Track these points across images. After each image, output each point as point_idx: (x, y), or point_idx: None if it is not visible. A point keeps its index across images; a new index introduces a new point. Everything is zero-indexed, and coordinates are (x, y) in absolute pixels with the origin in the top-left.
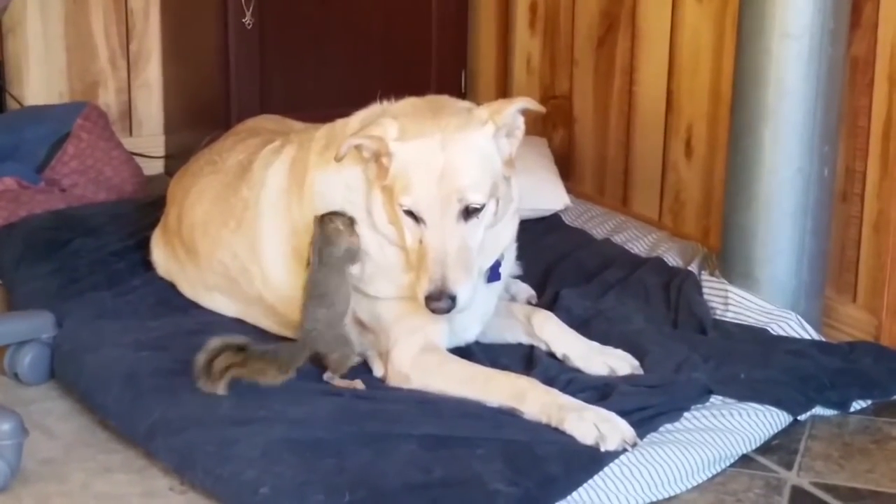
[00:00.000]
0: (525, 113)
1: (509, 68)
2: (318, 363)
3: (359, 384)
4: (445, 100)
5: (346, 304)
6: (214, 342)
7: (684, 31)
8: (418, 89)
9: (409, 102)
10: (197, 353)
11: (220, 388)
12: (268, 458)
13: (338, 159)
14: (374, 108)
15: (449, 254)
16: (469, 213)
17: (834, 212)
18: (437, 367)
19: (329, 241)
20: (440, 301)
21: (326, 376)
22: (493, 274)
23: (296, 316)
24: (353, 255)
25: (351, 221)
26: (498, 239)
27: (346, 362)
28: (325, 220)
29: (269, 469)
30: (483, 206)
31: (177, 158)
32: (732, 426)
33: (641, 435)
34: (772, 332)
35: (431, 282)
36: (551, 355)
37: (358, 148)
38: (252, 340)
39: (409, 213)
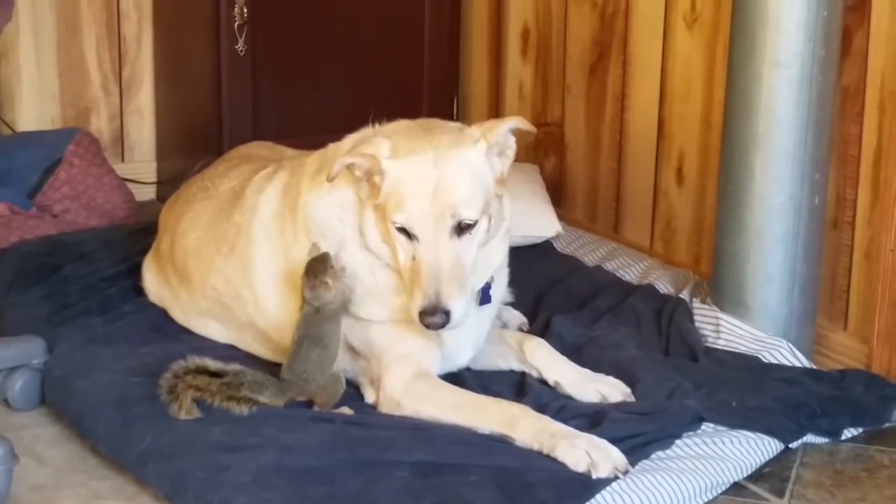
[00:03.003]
0: (516, 133)
1: (501, 95)
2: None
3: (346, 410)
4: (436, 121)
5: (339, 345)
6: (178, 365)
7: (675, 58)
8: (410, 116)
9: (401, 123)
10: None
11: (185, 412)
12: (259, 484)
13: (330, 179)
14: (366, 131)
15: (443, 269)
16: (462, 229)
17: (825, 239)
18: (428, 393)
19: (321, 299)
20: (434, 316)
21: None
22: (484, 296)
23: (288, 343)
24: (347, 301)
25: (334, 268)
26: (489, 258)
27: (334, 398)
28: (311, 277)
29: (259, 495)
30: (476, 223)
31: (169, 184)
32: (724, 454)
33: (633, 462)
34: (763, 359)
35: (426, 297)
36: (543, 382)
37: (350, 167)
38: (226, 365)
39: (402, 231)
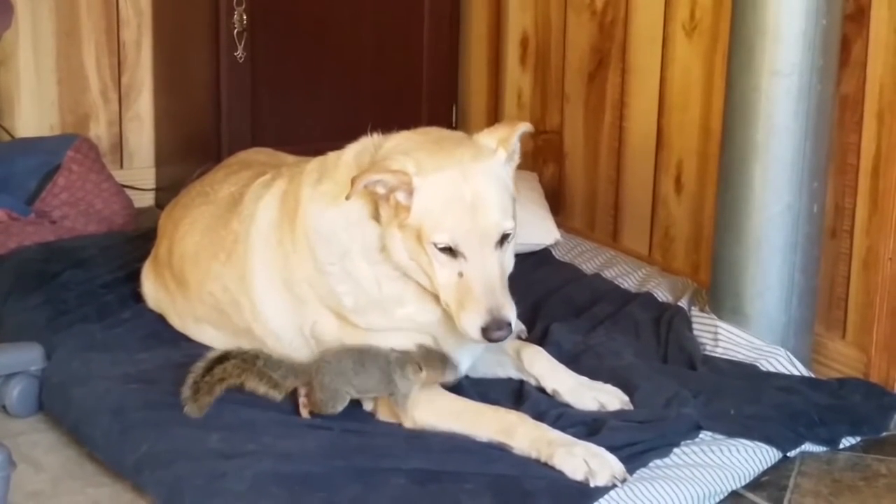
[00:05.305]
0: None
1: (500, 103)
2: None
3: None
4: (438, 131)
5: (361, 388)
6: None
7: (674, 67)
8: (409, 124)
9: (404, 137)
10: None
11: (199, 407)
12: (256, 491)
13: (349, 198)
14: (366, 142)
15: (496, 283)
16: (502, 239)
17: (823, 248)
18: (426, 401)
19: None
20: (501, 330)
21: (302, 402)
22: None
23: (283, 350)
24: (407, 393)
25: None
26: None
27: (325, 408)
28: (431, 362)
29: (257, 503)
30: (512, 231)
31: (167, 191)
32: (722, 462)
33: (631, 470)
34: (761, 368)
35: (488, 313)
36: (541, 390)
37: (370, 185)
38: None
39: (446, 249)
